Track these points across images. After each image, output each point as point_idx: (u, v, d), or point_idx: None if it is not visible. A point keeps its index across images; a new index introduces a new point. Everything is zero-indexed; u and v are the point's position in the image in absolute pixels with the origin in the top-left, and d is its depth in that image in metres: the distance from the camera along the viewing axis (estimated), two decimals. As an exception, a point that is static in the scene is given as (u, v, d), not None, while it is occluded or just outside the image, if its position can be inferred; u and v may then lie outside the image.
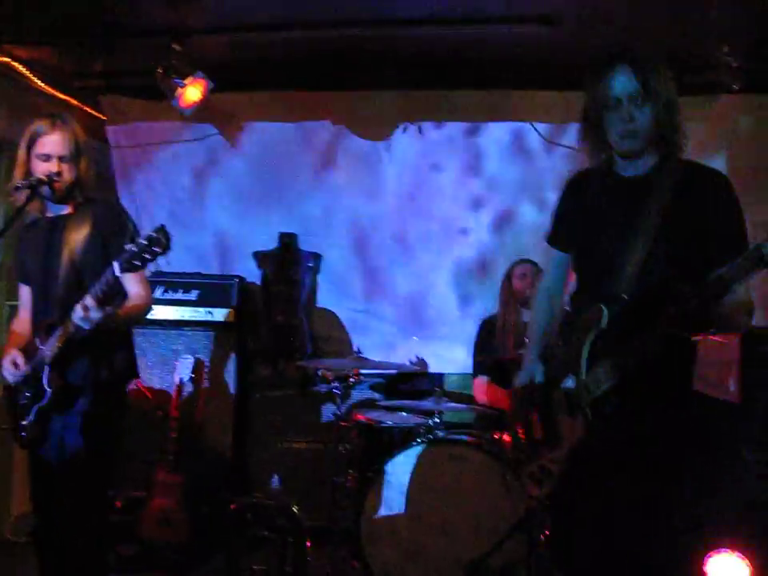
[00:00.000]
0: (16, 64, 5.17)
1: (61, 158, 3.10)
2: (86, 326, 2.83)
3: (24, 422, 3.11)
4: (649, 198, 2.41)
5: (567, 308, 2.79)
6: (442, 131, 5.58)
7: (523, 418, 2.75)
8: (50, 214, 3.25)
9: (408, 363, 5.44)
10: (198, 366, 5.17)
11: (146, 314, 3.27)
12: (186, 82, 4.88)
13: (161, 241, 2.67)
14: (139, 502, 4.71)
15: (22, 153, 3.16)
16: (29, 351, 3.15)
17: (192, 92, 4.97)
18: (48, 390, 3.01)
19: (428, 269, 5.71)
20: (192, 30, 4.77)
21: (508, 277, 4.84)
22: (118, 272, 2.74)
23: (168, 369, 5.22)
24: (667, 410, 2.40)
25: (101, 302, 2.81)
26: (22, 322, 3.36)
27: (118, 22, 4.75)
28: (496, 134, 5.53)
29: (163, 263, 2.72)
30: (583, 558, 2.50)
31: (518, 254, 5.03)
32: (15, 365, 3.12)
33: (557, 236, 2.79)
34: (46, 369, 3.02)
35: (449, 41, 4.85)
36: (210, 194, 5.94)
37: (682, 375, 2.46)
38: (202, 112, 5.33)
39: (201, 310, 5.42)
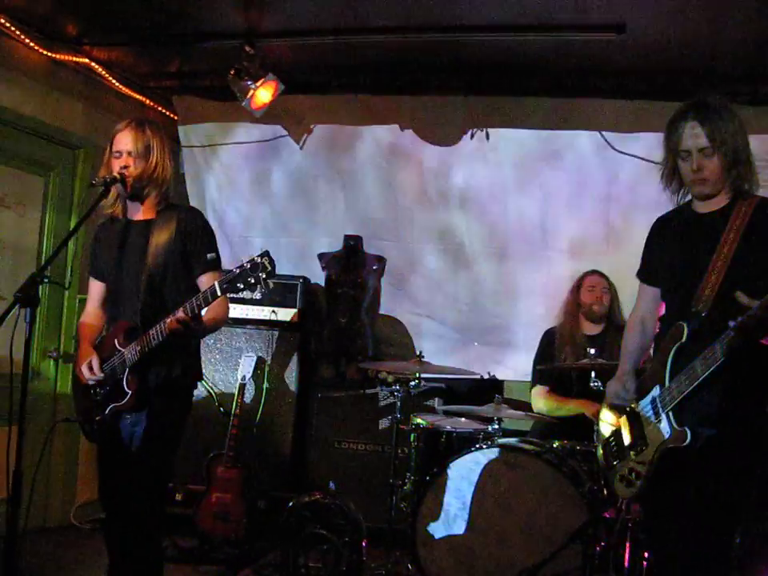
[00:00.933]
0: (94, 65, 5.33)
1: (129, 153, 3.20)
2: (178, 336, 2.95)
3: (98, 418, 3.22)
4: (723, 229, 2.68)
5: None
6: (509, 138, 5.54)
7: (615, 428, 3.00)
8: (131, 217, 3.33)
9: (469, 370, 5.41)
10: (260, 365, 5.24)
11: (223, 324, 3.40)
12: (257, 84, 4.96)
13: (265, 267, 2.79)
14: (199, 496, 4.79)
15: (107, 153, 3.28)
16: (103, 349, 3.25)
17: (263, 94, 5.04)
18: (128, 391, 3.12)
19: (491, 275, 5.67)
20: (264, 34, 4.86)
21: (577, 287, 4.78)
22: (218, 293, 2.86)
23: (231, 366, 5.31)
24: (742, 416, 2.63)
25: (194, 317, 2.94)
26: (91, 315, 3.45)
27: (193, 25, 4.85)
28: (565, 142, 5.46)
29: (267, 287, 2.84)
30: (671, 554, 2.72)
31: (580, 266, 5.00)
32: (91, 369, 3.19)
33: (647, 272, 3.07)
34: (126, 371, 3.12)
35: (518, 47, 4.82)
36: (278, 195, 6.02)
37: (757, 381, 2.64)
38: (272, 114, 5.41)
39: (265, 309, 5.50)
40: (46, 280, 2.71)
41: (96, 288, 3.45)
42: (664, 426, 2.68)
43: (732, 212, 2.71)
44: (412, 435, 4.43)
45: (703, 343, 2.58)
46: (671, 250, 2.90)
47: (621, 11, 4.24)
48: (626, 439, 2.89)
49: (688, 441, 2.60)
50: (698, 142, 2.68)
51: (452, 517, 3.93)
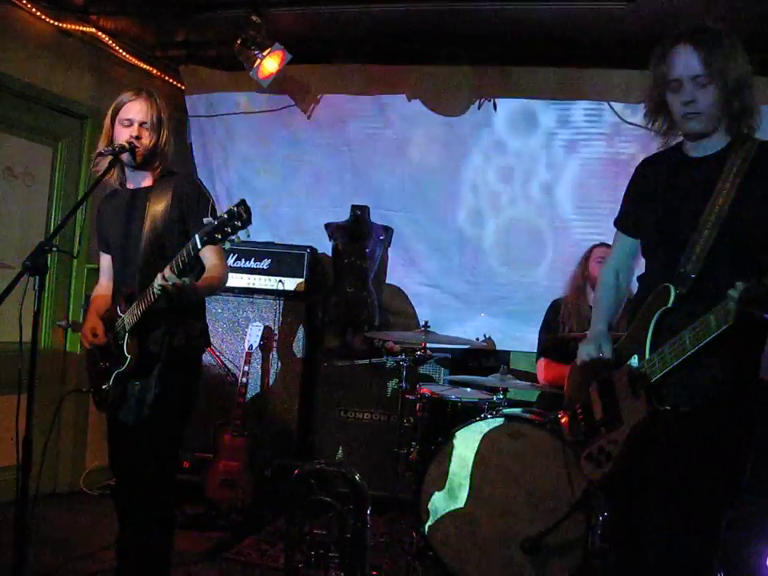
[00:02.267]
0: (101, 34, 5.32)
1: (141, 124, 3.19)
2: (165, 295, 2.91)
3: (104, 386, 3.24)
4: (718, 179, 2.32)
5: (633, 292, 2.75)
6: (516, 108, 5.51)
7: (584, 397, 2.68)
8: (130, 186, 3.33)
9: (475, 340, 5.43)
10: (267, 334, 5.27)
11: (222, 286, 3.32)
12: (264, 53, 4.94)
13: (241, 215, 2.74)
14: (206, 464, 4.85)
15: (107, 121, 3.26)
16: (109, 319, 3.27)
17: (270, 63, 5.03)
18: (127, 356, 3.14)
19: (499, 246, 5.68)
20: (271, 3, 4.83)
21: (585, 259, 4.76)
22: (199, 245, 2.81)
23: (238, 335, 5.34)
24: (733, 395, 2.31)
25: (180, 273, 2.89)
26: (103, 288, 3.47)
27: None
28: (573, 112, 5.43)
29: (243, 236, 2.79)
30: (641, 542, 2.44)
31: (588, 238, 4.99)
32: (94, 334, 3.24)
33: (626, 221, 2.73)
34: (126, 336, 3.14)
35: (527, 17, 4.79)
36: (284, 165, 6.02)
37: (750, 359, 2.35)
38: (279, 83, 5.39)
39: (272, 278, 5.51)
40: (54, 249, 2.72)
41: (106, 261, 3.47)
42: (641, 403, 2.36)
43: (728, 157, 2.35)
44: (417, 405, 4.45)
45: (692, 310, 2.26)
46: (657, 198, 2.52)
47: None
48: (597, 413, 2.58)
49: (670, 421, 2.32)
50: (690, 68, 2.32)
51: (456, 486, 3.97)
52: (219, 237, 2.77)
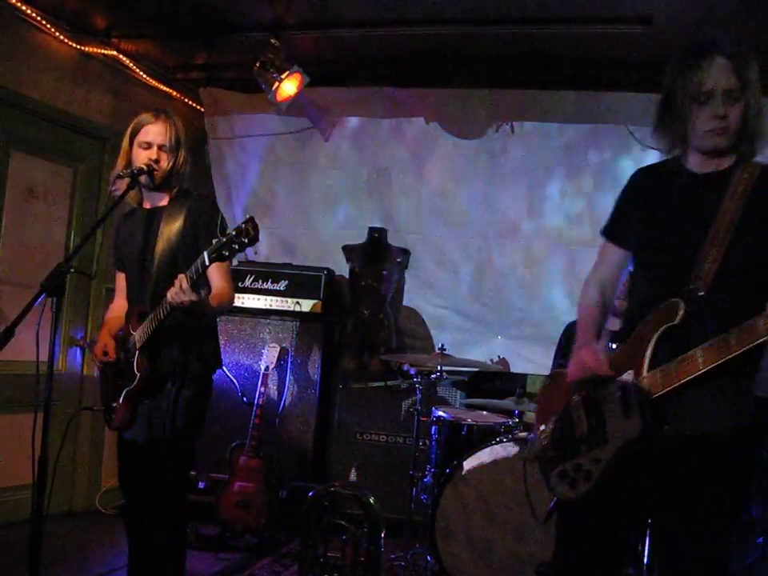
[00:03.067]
0: (122, 57, 5.40)
1: (160, 147, 3.21)
2: (179, 306, 2.90)
3: (114, 404, 3.24)
4: (726, 196, 2.25)
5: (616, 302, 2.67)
6: (535, 131, 5.52)
7: (562, 412, 2.52)
8: (147, 205, 3.36)
9: (489, 362, 5.42)
10: (283, 355, 5.27)
11: (229, 307, 3.34)
12: (282, 76, 4.98)
13: (249, 232, 2.74)
14: (221, 484, 4.84)
15: (125, 143, 3.28)
16: (122, 337, 3.28)
17: (288, 86, 5.07)
18: (137, 374, 3.13)
19: (516, 268, 5.67)
20: (290, 26, 4.88)
21: None
22: (207, 261, 2.82)
23: (255, 356, 5.35)
24: (734, 420, 2.24)
25: (192, 286, 2.89)
26: (118, 308, 3.47)
27: (220, 18, 4.89)
28: (590, 135, 5.44)
29: (251, 254, 2.81)
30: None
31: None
32: (105, 352, 3.26)
33: (617, 230, 2.58)
34: (137, 354, 3.14)
35: (543, 40, 4.81)
36: (302, 187, 6.04)
37: (748, 380, 2.28)
38: (297, 106, 5.43)
39: (289, 300, 5.52)
40: (72, 270, 2.73)
41: (121, 280, 3.49)
42: (634, 422, 2.23)
43: (735, 176, 2.27)
44: (433, 427, 4.45)
45: (700, 327, 2.16)
46: (659, 212, 2.40)
47: (648, 3, 4.21)
48: (579, 429, 2.41)
49: (667, 442, 2.21)
50: (726, 81, 2.20)
51: (471, 510, 3.94)
52: (227, 254, 2.78)
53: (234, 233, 2.76)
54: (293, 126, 5.95)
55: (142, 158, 3.21)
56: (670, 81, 2.33)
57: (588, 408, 2.40)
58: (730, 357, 2.08)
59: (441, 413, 4.43)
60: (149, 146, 3.21)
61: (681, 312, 2.21)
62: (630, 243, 2.54)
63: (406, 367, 5.23)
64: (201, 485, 5.11)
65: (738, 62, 2.22)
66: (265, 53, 4.91)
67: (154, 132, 3.22)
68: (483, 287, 5.75)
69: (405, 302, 5.96)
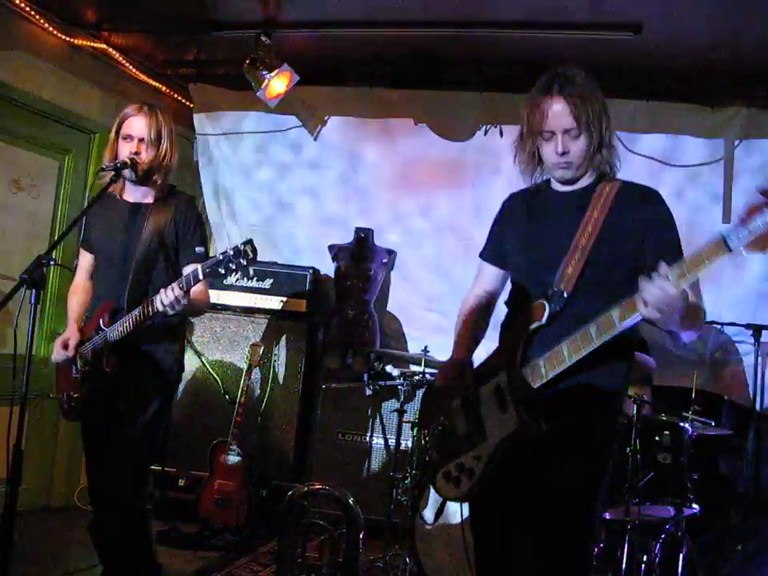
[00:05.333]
0: (112, 51, 5.37)
1: (141, 140, 3.21)
2: (169, 311, 2.94)
3: (76, 395, 3.24)
4: (585, 208, 2.44)
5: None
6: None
7: (440, 419, 2.63)
8: (129, 198, 3.34)
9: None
10: (267, 354, 5.25)
11: (203, 312, 3.52)
12: (272, 74, 4.97)
13: (247, 254, 2.83)
14: (201, 482, 4.82)
15: (112, 135, 3.28)
16: (87, 329, 3.28)
17: (277, 84, 5.05)
18: (106, 370, 3.14)
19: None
20: (280, 24, 4.87)
21: None
22: (200, 276, 2.88)
23: (238, 354, 5.33)
24: (602, 410, 2.41)
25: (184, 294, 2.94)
26: (80, 287, 3.48)
27: (210, 15, 4.88)
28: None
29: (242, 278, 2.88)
30: (508, 561, 2.44)
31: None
32: (65, 346, 3.25)
33: (493, 253, 2.78)
34: (107, 351, 3.15)
35: (534, 45, 4.81)
36: (289, 185, 6.03)
37: (621, 373, 2.46)
38: (286, 104, 5.42)
39: (273, 298, 5.51)
40: (51, 262, 2.72)
41: (86, 259, 3.48)
42: (510, 417, 2.34)
43: (596, 189, 2.46)
44: (415, 429, 4.44)
45: (565, 326, 2.32)
46: (529, 229, 2.59)
47: (638, 11, 4.23)
48: (459, 431, 2.52)
49: (541, 433, 2.29)
50: (563, 122, 2.39)
51: (451, 512, 3.93)
52: (222, 272, 2.86)
53: (232, 253, 2.83)
54: (281, 124, 5.95)
55: (124, 151, 3.21)
56: (525, 117, 2.51)
57: (466, 410, 2.52)
58: (592, 348, 2.24)
59: (423, 414, 4.41)
60: (130, 138, 3.22)
61: (546, 312, 2.38)
62: (504, 262, 2.73)
63: (389, 368, 5.22)
64: (181, 482, 5.08)
65: (573, 103, 2.37)
66: (255, 50, 4.89)
67: (135, 125, 3.22)
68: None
69: (390, 303, 5.95)
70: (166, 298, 2.91)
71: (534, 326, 2.40)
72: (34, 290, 2.61)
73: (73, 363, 3.29)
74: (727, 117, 5.13)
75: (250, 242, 2.86)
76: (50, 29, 4.92)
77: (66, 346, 3.24)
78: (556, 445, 2.32)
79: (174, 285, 2.92)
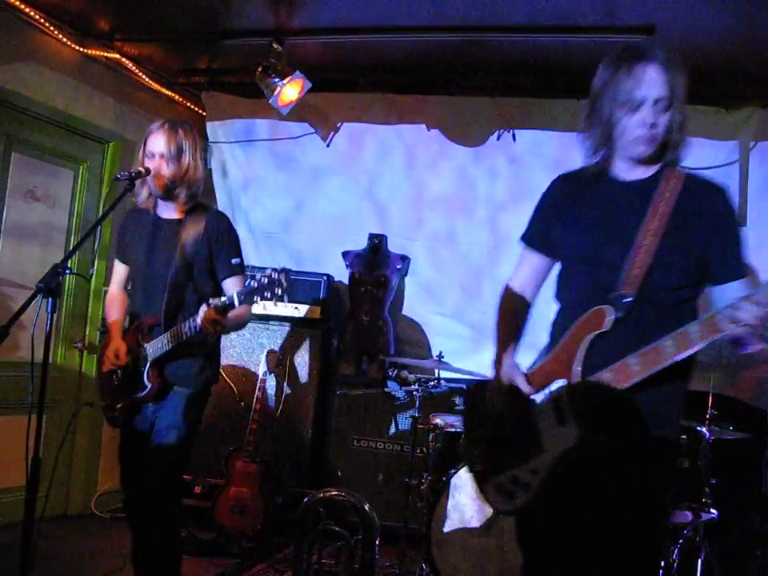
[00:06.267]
0: (125, 60, 5.40)
1: (161, 155, 3.26)
2: (208, 331, 3.07)
3: (119, 405, 3.36)
4: (653, 202, 2.25)
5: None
6: (536, 140, 5.52)
7: (493, 425, 2.44)
8: (163, 215, 3.41)
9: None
10: (281, 361, 5.26)
11: (243, 326, 3.58)
12: (284, 81, 4.98)
13: (281, 283, 2.97)
14: (217, 489, 4.83)
15: (140, 152, 3.35)
16: (128, 341, 3.37)
17: (290, 91, 5.07)
18: (147, 385, 3.26)
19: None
20: (292, 32, 4.89)
21: None
22: (236, 302, 3.01)
23: (253, 361, 5.34)
24: (666, 424, 2.25)
25: (221, 314, 3.05)
26: (115, 298, 3.58)
27: (222, 23, 4.89)
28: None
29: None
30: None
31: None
32: (117, 356, 3.34)
33: (538, 237, 2.55)
34: (147, 366, 3.26)
35: (546, 49, 4.81)
36: (303, 192, 6.04)
37: (682, 386, 2.28)
38: (299, 111, 5.43)
39: (288, 305, 5.49)
40: (68, 271, 2.75)
41: (121, 270, 3.58)
42: (570, 431, 2.19)
43: (660, 183, 2.27)
44: (430, 435, 4.43)
45: (627, 334, 2.17)
46: (583, 219, 2.37)
47: (651, 13, 4.21)
48: (512, 441, 2.36)
49: (604, 449, 2.15)
50: (656, 90, 2.18)
51: (467, 518, 3.92)
52: (257, 299, 2.98)
53: (266, 281, 2.97)
54: (294, 131, 5.96)
55: (146, 164, 3.28)
56: (599, 85, 2.31)
57: (519, 419, 2.34)
58: (666, 365, 2.09)
59: (438, 420, 4.41)
60: (152, 155, 3.29)
61: (609, 318, 2.20)
62: (552, 251, 2.51)
63: (404, 374, 5.22)
64: (197, 489, 5.09)
65: (669, 72, 2.20)
66: (267, 58, 4.91)
67: (155, 141, 3.29)
68: (483, 295, 5.72)
69: (404, 309, 5.94)
70: (201, 320, 3.04)
71: (595, 333, 2.23)
72: (50, 299, 2.63)
73: (114, 374, 3.39)
74: (742, 118, 5.10)
75: (284, 270, 2.98)
76: (64, 39, 4.95)
77: (117, 357, 3.34)
78: (620, 459, 2.18)
79: (210, 309, 3.02)
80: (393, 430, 5.26)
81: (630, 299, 2.20)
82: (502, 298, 2.62)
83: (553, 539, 2.30)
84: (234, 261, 3.33)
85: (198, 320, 3.04)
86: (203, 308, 3.04)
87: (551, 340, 2.43)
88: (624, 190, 2.33)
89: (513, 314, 2.58)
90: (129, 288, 3.58)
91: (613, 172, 2.36)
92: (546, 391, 2.29)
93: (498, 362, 2.47)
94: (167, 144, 3.26)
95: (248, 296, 2.98)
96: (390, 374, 5.38)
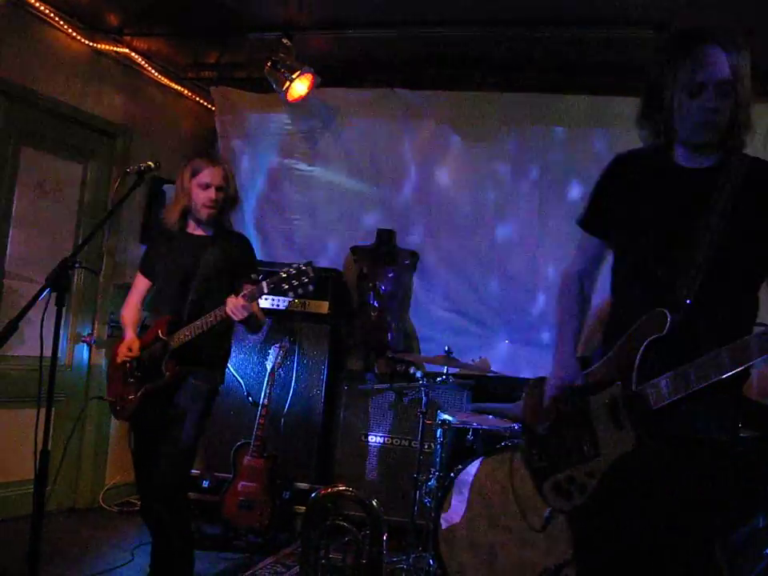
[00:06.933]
0: (134, 55, 5.41)
1: (219, 188, 3.59)
2: (235, 317, 3.36)
3: (130, 397, 3.53)
4: (712, 194, 2.14)
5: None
6: (545, 135, 5.50)
7: (550, 423, 2.42)
8: (194, 232, 3.69)
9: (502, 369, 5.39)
10: (289, 356, 5.25)
11: (261, 329, 3.92)
12: (293, 76, 4.98)
13: (308, 274, 3.24)
14: (225, 484, 4.83)
15: (184, 183, 3.64)
16: (145, 339, 3.58)
17: (299, 86, 5.07)
18: (165, 373, 3.46)
19: (525, 273, 5.63)
20: (302, 27, 4.89)
21: None
22: (265, 289, 3.29)
23: (261, 356, 5.34)
24: (724, 431, 2.16)
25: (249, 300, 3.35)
26: (133, 307, 3.80)
27: (232, 18, 4.89)
28: (601, 140, 5.40)
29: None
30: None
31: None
32: (130, 349, 3.57)
33: (595, 220, 2.45)
34: (167, 355, 3.46)
35: (556, 44, 4.80)
36: (311, 187, 6.03)
37: (738, 391, 2.19)
38: (308, 106, 5.43)
39: (296, 301, 5.50)
40: (77, 265, 2.77)
41: (143, 283, 3.82)
42: (627, 436, 2.16)
43: (722, 171, 2.16)
44: (438, 431, 4.43)
45: (685, 339, 2.09)
46: (640, 205, 2.28)
47: (662, 9, 4.19)
48: (568, 440, 2.33)
49: (661, 455, 2.12)
50: (718, 72, 2.07)
51: (475, 515, 3.92)
52: (285, 287, 3.23)
53: (294, 272, 3.24)
54: (303, 126, 5.95)
55: (202, 197, 3.57)
56: (657, 70, 2.20)
57: (576, 419, 2.32)
58: (723, 376, 2.01)
59: (446, 416, 4.41)
60: (207, 186, 3.58)
61: (668, 323, 2.11)
62: (610, 237, 2.42)
63: (412, 370, 5.21)
64: (205, 484, 5.11)
65: (730, 52, 2.09)
66: (276, 52, 4.92)
67: (213, 175, 3.59)
68: (491, 291, 5.71)
69: (412, 305, 5.93)
70: (228, 308, 3.31)
71: (652, 337, 2.14)
72: (59, 293, 2.65)
73: (125, 367, 3.58)
74: (754, 114, 5.06)
75: (309, 263, 3.25)
76: (74, 34, 4.96)
77: (130, 349, 3.55)
78: (676, 467, 2.13)
79: (239, 297, 3.32)
80: (400, 425, 5.25)
81: (688, 302, 2.12)
82: (563, 289, 2.54)
83: (607, 542, 2.26)
84: (252, 276, 3.54)
85: (226, 308, 3.32)
86: (231, 298, 3.32)
87: (606, 338, 2.34)
88: (686, 180, 2.22)
89: (573, 308, 2.49)
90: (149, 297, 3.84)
91: (675, 158, 2.25)
92: (604, 393, 2.24)
93: (559, 362, 2.41)
94: (224, 179, 3.60)
95: (276, 285, 3.23)
96: (398, 369, 5.37)
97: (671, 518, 2.13)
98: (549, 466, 2.39)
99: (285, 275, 3.23)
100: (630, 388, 2.16)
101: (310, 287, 3.27)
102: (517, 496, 3.85)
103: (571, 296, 2.50)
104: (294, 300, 5.28)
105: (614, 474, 2.19)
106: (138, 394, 3.52)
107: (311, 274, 3.20)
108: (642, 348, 2.16)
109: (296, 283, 3.21)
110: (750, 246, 2.14)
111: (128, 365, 3.58)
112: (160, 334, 3.51)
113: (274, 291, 3.23)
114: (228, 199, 3.67)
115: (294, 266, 3.25)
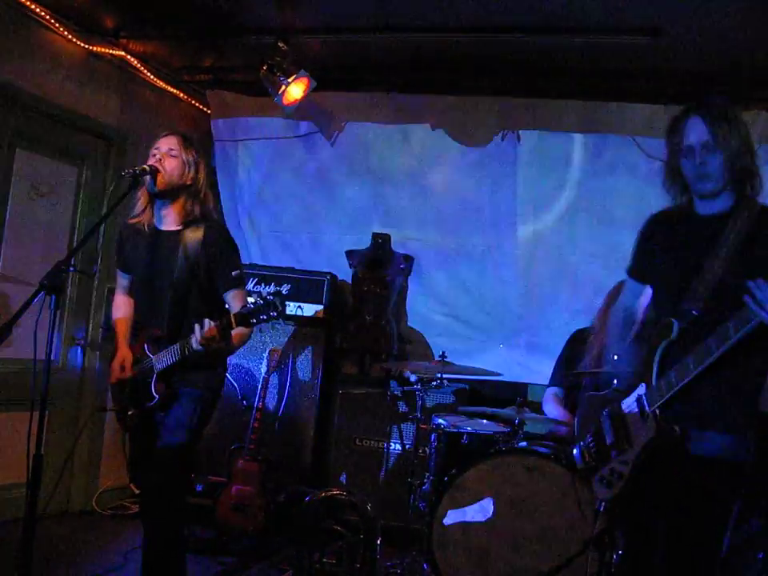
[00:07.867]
0: (130, 58, 5.40)
1: (168, 150, 3.36)
2: (201, 350, 3.17)
3: (130, 413, 3.45)
4: (724, 233, 2.62)
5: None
6: (541, 140, 5.50)
7: (594, 427, 2.93)
8: (163, 227, 3.45)
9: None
10: (284, 359, 5.25)
11: (245, 343, 3.61)
12: (289, 79, 4.98)
13: (276, 306, 3.11)
14: (219, 487, 4.82)
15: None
16: (134, 352, 3.48)
17: (295, 90, 5.07)
18: (155, 396, 3.36)
19: (520, 278, 5.65)
20: (298, 30, 4.88)
21: (617, 290, 4.69)
22: (234, 325, 3.13)
23: (255, 360, 5.33)
24: (733, 415, 2.59)
25: (221, 333, 3.15)
26: (121, 306, 3.68)
27: (228, 21, 4.89)
28: (596, 145, 5.41)
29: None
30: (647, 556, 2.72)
31: (608, 273, 4.91)
32: (122, 368, 3.43)
33: (638, 270, 3.01)
34: (154, 377, 3.35)
35: (551, 49, 4.81)
36: (307, 191, 6.03)
37: (747, 380, 2.63)
38: (303, 110, 5.43)
39: (291, 304, 5.51)
40: (71, 269, 2.76)
41: (124, 280, 3.67)
42: (650, 425, 2.62)
43: (732, 216, 2.65)
44: (432, 435, 4.42)
45: (693, 342, 2.55)
46: (669, 249, 2.82)
47: (655, 15, 4.20)
48: (608, 439, 2.82)
49: (677, 440, 2.57)
50: (700, 136, 2.63)
51: (469, 519, 3.92)
52: (254, 321, 3.11)
53: (263, 303, 3.09)
54: (298, 130, 5.96)
55: (150, 162, 3.36)
56: (667, 143, 2.78)
57: (614, 420, 2.81)
58: (713, 358, 2.47)
59: (440, 420, 4.40)
60: (158, 149, 3.38)
61: (675, 328, 2.64)
62: (646, 280, 2.97)
63: (406, 374, 5.21)
64: (198, 487, 5.09)
65: (712, 121, 2.62)
66: (272, 56, 4.91)
67: (165, 140, 3.40)
68: (486, 295, 5.72)
69: (407, 309, 5.94)
70: (200, 336, 3.13)
71: (664, 342, 2.66)
72: (53, 296, 2.64)
73: (122, 383, 3.48)
74: (746, 121, 5.08)
75: (278, 293, 3.30)
76: (69, 36, 4.96)
77: (123, 368, 3.43)
78: (696, 456, 2.58)
79: (212, 327, 3.11)
80: (395, 429, 5.25)
81: (695, 312, 2.61)
82: (613, 314, 3.22)
83: (645, 521, 2.76)
84: (233, 273, 3.40)
85: (195, 340, 3.14)
86: (206, 323, 3.12)
87: (638, 348, 2.88)
88: (702, 224, 2.74)
89: (618, 328, 3.09)
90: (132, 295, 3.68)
91: (695, 209, 2.78)
92: (634, 394, 2.73)
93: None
94: (178, 147, 3.37)
95: (245, 318, 3.11)
96: (393, 373, 5.37)
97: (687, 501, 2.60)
98: (598, 463, 2.86)
99: (253, 309, 3.12)
100: (652, 383, 2.66)
101: (278, 318, 3.25)
102: (510, 500, 3.85)
103: (618, 324, 3.10)
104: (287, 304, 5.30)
105: (643, 458, 2.65)
106: (138, 411, 3.45)
107: (279, 308, 3.12)
108: (658, 351, 2.68)
109: (264, 317, 3.11)
110: (749, 276, 2.49)
111: (123, 383, 3.49)
112: (147, 351, 3.43)
113: (243, 323, 3.14)
114: (182, 170, 3.36)
115: (263, 297, 3.12)
